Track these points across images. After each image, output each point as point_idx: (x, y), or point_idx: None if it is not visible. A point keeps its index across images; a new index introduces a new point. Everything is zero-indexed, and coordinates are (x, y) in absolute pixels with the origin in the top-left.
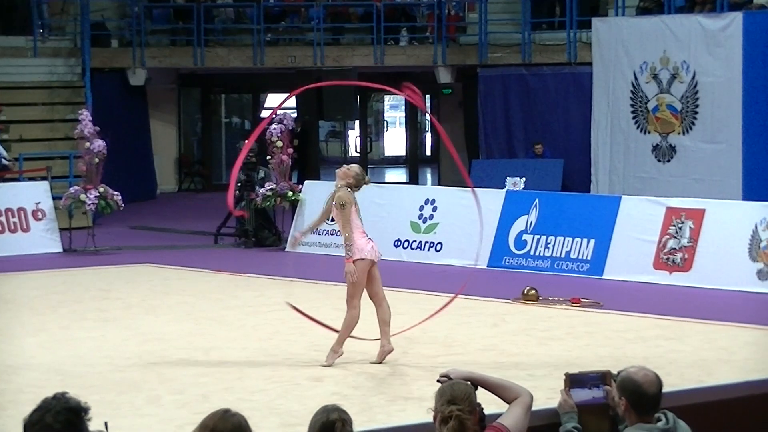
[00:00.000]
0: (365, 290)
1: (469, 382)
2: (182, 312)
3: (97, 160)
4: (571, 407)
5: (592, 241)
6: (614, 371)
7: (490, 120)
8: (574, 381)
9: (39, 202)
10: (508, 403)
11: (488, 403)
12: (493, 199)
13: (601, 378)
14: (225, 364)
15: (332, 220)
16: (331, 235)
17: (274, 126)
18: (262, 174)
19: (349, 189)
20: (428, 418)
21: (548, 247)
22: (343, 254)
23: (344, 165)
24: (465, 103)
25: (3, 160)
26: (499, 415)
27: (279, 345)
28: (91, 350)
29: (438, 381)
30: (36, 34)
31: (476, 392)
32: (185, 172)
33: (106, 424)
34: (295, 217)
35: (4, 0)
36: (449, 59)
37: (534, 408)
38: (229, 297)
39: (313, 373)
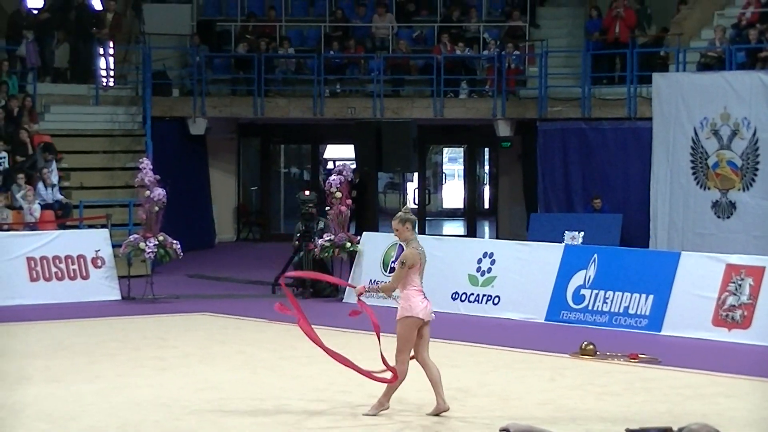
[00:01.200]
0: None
1: None
2: (239, 361)
3: (156, 208)
4: None
5: (651, 297)
6: (674, 428)
7: (549, 173)
8: None
9: (99, 250)
10: None
11: None
12: (551, 253)
13: None
14: (282, 413)
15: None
16: None
17: (333, 177)
18: (321, 225)
19: (416, 245)
20: None
21: (606, 302)
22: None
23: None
24: (524, 156)
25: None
26: None
27: (335, 396)
28: (148, 398)
29: None
30: (98, 83)
31: None
32: (244, 222)
33: None
34: (352, 269)
35: (70, 49)
36: (509, 112)
37: None
38: (285, 347)
39: (371, 421)
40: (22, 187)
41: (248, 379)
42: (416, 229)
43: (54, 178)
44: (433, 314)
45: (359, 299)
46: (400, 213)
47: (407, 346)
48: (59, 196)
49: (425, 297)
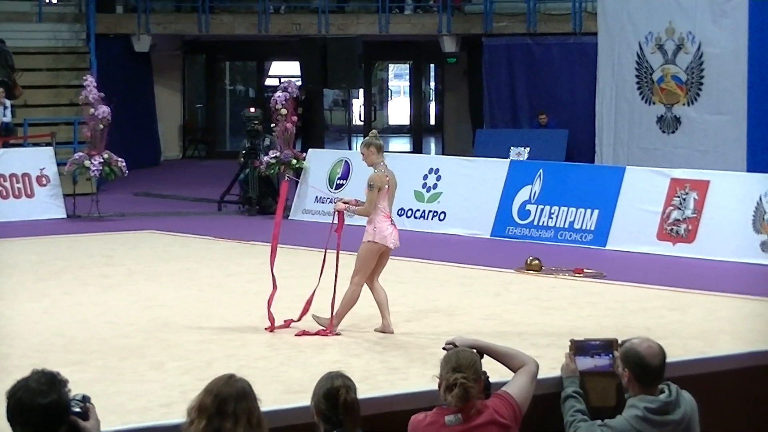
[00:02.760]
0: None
1: (474, 350)
2: (185, 279)
3: (101, 126)
4: (573, 372)
5: (596, 212)
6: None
7: (495, 89)
8: (579, 348)
9: (43, 168)
10: (514, 372)
11: (493, 371)
12: (497, 169)
13: (607, 346)
14: (228, 331)
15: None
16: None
17: (278, 93)
18: (266, 142)
19: (383, 169)
20: (432, 385)
21: (552, 217)
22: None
23: (362, 143)
24: (469, 73)
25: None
26: (504, 384)
27: (282, 312)
28: (94, 316)
29: (443, 348)
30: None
31: (482, 360)
32: (189, 139)
33: (85, 397)
34: (298, 185)
35: None
36: (454, 28)
37: (539, 376)
38: (232, 264)
39: (316, 341)
40: None
41: (194, 296)
42: (383, 153)
43: (6, 101)
44: (398, 242)
45: (340, 213)
46: (366, 137)
47: (366, 269)
48: (9, 118)
49: (392, 223)
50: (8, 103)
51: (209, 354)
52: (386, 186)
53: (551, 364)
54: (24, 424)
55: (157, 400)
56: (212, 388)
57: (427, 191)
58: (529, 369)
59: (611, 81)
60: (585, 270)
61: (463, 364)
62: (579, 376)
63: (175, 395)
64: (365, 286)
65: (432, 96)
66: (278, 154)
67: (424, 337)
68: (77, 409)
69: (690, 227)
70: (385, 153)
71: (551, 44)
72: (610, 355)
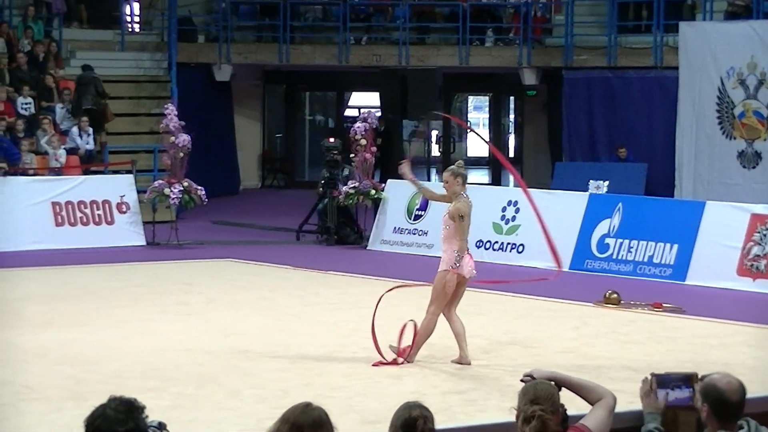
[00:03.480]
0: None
1: (552, 383)
2: (263, 307)
3: (181, 154)
4: (656, 408)
5: (675, 246)
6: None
7: (574, 122)
8: (660, 382)
9: (123, 195)
10: (591, 405)
11: (570, 404)
12: (575, 202)
13: (687, 380)
14: (305, 360)
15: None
16: (413, 234)
17: (358, 124)
18: (345, 172)
19: (466, 199)
20: (509, 417)
21: (631, 251)
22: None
23: (447, 170)
24: (549, 105)
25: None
26: (582, 417)
27: (359, 342)
28: (172, 343)
29: (521, 380)
30: (124, 28)
31: (559, 393)
32: (268, 169)
33: (161, 424)
34: (376, 216)
35: None
36: (534, 61)
37: (616, 410)
38: (310, 294)
39: (393, 371)
40: (47, 132)
41: (272, 325)
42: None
43: (89, 128)
44: (474, 271)
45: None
46: (452, 166)
47: (442, 299)
48: (92, 146)
49: (468, 252)
50: (90, 130)
51: (286, 383)
52: (468, 214)
53: (629, 398)
54: None
55: (233, 427)
56: (289, 416)
57: (506, 223)
58: (607, 402)
59: (692, 115)
60: (664, 304)
61: (540, 396)
62: (661, 411)
63: (251, 423)
64: (442, 316)
65: (511, 128)
66: (357, 184)
67: (502, 369)
68: None
69: None
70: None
71: (631, 78)
72: (690, 389)
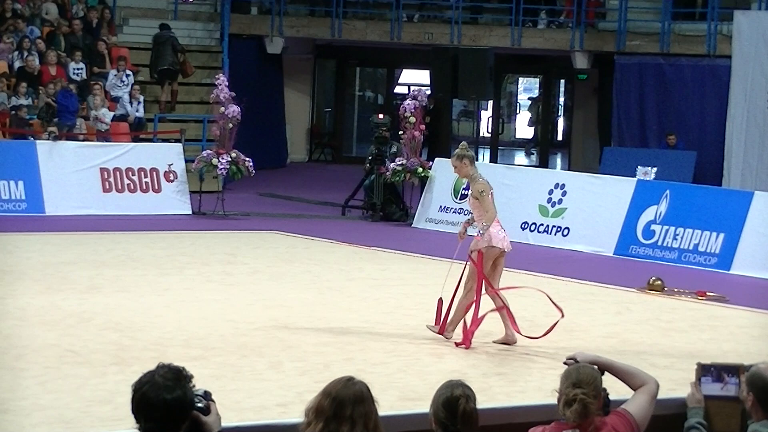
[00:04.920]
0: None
1: (595, 366)
2: (307, 281)
3: (230, 125)
4: (699, 401)
5: (722, 235)
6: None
7: (624, 108)
8: (705, 371)
9: (171, 164)
10: (634, 390)
11: (611, 389)
12: (623, 187)
13: (733, 371)
14: (347, 334)
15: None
16: (459, 213)
17: (407, 101)
18: (393, 149)
19: (482, 178)
20: (551, 400)
21: (676, 239)
22: (474, 233)
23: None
24: (600, 90)
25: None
26: (623, 401)
27: (401, 319)
28: (215, 313)
29: (564, 363)
30: None
31: (602, 377)
32: (316, 143)
33: (206, 393)
34: (423, 194)
35: None
36: (586, 44)
37: (658, 397)
38: (353, 269)
39: (434, 349)
40: (97, 98)
41: (315, 299)
42: (475, 164)
43: (140, 96)
44: (510, 245)
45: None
46: (457, 150)
47: (479, 276)
48: (142, 113)
49: (502, 227)
50: (141, 98)
51: (327, 356)
52: (491, 190)
53: (670, 386)
54: (148, 418)
55: (274, 399)
56: (330, 390)
57: (552, 206)
58: (650, 388)
59: (743, 105)
60: (708, 293)
61: (583, 380)
62: (704, 404)
63: (292, 395)
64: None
65: (560, 111)
66: (404, 161)
67: (544, 352)
68: (199, 405)
69: None
70: (510, 166)
71: (684, 65)
72: (737, 381)
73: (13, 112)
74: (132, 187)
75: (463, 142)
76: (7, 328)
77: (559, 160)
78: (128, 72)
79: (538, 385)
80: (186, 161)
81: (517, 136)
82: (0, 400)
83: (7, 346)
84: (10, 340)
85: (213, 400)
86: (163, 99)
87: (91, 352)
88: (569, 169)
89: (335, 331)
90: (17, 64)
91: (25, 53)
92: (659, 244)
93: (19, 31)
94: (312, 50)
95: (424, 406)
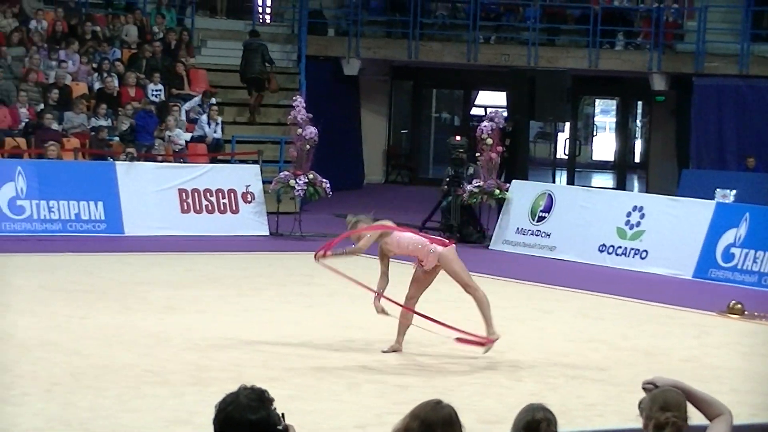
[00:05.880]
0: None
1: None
2: (383, 302)
3: (308, 146)
4: None
5: None
6: None
7: (703, 130)
8: None
9: (249, 185)
10: (709, 419)
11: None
12: (702, 210)
13: None
14: (424, 355)
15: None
16: (536, 235)
17: (484, 123)
18: (470, 170)
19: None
20: (629, 424)
21: (756, 262)
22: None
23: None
24: (678, 112)
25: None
26: (698, 427)
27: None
28: (292, 334)
29: (643, 388)
30: (255, 19)
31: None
32: (393, 164)
33: (282, 415)
34: (500, 216)
35: None
36: (664, 66)
37: (737, 423)
38: (430, 290)
39: (513, 372)
40: (176, 119)
41: (391, 320)
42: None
43: (218, 117)
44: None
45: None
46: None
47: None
48: (220, 134)
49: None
50: (219, 119)
51: (405, 378)
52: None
53: (752, 411)
54: None
55: (352, 420)
56: (419, 412)
57: (630, 228)
58: (727, 419)
59: None
60: None
61: (671, 403)
62: None
63: (370, 417)
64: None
65: (638, 133)
66: (481, 183)
67: (622, 375)
68: (279, 427)
69: None
70: (588, 188)
71: (763, 87)
72: None
73: (93, 133)
74: (210, 208)
75: (349, 216)
76: (87, 347)
77: (636, 182)
78: (213, 101)
79: (616, 409)
80: (263, 182)
81: (594, 158)
82: (80, 420)
83: (86, 366)
84: (90, 359)
85: (291, 424)
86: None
87: (169, 372)
88: (646, 192)
89: (413, 353)
90: (96, 86)
91: (105, 75)
92: (739, 267)
93: (99, 53)
94: (389, 72)
95: (502, 429)
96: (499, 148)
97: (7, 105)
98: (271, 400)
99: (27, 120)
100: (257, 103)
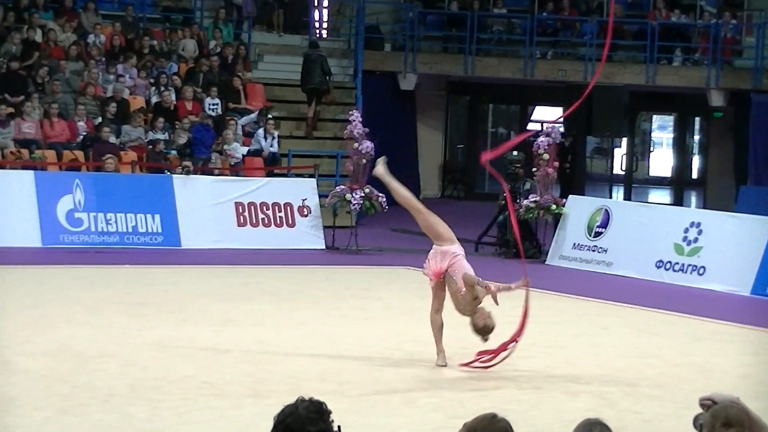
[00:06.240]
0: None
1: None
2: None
3: (364, 160)
4: None
5: None
6: None
7: (762, 146)
8: None
9: (305, 199)
10: None
11: None
12: (761, 227)
13: None
14: (480, 370)
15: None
16: (593, 251)
17: (541, 138)
18: (527, 186)
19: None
20: None
21: None
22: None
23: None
24: (735, 128)
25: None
26: None
27: (536, 356)
28: (349, 347)
29: (701, 404)
30: (312, 34)
31: None
32: (449, 179)
33: (339, 427)
34: (556, 231)
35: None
36: (722, 82)
37: None
38: (486, 305)
39: (569, 387)
40: (234, 133)
41: (447, 334)
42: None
43: (275, 131)
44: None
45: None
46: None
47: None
48: (276, 148)
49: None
50: (276, 133)
51: (461, 393)
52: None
53: None
54: None
55: None
56: (475, 426)
57: (688, 245)
58: None
59: None
60: None
61: (734, 419)
62: None
63: (426, 431)
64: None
65: (695, 149)
66: (538, 198)
67: (679, 392)
68: None
69: None
70: (645, 204)
71: None
72: None
73: (150, 146)
74: (266, 222)
75: None
76: (145, 359)
77: (693, 199)
78: (270, 116)
79: (674, 425)
80: (320, 196)
81: (651, 174)
82: (137, 431)
83: (144, 378)
84: (148, 371)
85: None
86: (310, 115)
87: (227, 384)
88: (704, 208)
89: (470, 368)
90: (154, 100)
91: (162, 89)
92: None
93: (157, 67)
94: (445, 87)
95: None
96: (556, 163)
97: (66, 118)
98: (329, 413)
99: (85, 133)
100: (317, 116)
